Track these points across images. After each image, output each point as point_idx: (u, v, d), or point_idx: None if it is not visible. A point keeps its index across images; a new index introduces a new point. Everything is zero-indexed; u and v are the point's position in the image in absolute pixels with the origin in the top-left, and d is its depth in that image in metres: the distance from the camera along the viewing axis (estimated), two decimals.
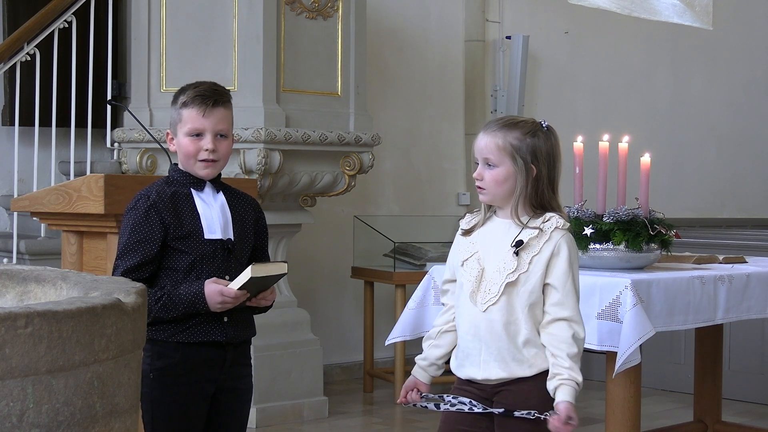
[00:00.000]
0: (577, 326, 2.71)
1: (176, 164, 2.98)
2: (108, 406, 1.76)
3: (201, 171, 2.93)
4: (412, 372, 2.92)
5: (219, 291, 2.82)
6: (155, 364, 2.88)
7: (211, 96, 2.92)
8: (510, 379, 2.72)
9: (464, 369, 2.79)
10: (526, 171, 2.72)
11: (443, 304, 2.94)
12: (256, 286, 2.85)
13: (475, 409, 2.75)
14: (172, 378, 2.88)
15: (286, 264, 2.92)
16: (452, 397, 2.80)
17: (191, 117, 2.91)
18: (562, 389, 2.66)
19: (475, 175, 2.77)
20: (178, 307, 2.83)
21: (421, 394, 2.88)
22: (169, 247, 2.88)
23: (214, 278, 2.85)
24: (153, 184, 2.97)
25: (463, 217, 2.90)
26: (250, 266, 2.80)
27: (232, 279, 2.89)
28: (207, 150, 2.90)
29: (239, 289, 2.82)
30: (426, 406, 2.86)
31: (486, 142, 2.74)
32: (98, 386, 1.73)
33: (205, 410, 2.93)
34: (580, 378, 2.68)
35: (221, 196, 2.98)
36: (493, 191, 2.75)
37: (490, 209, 2.82)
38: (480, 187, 2.76)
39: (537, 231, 2.72)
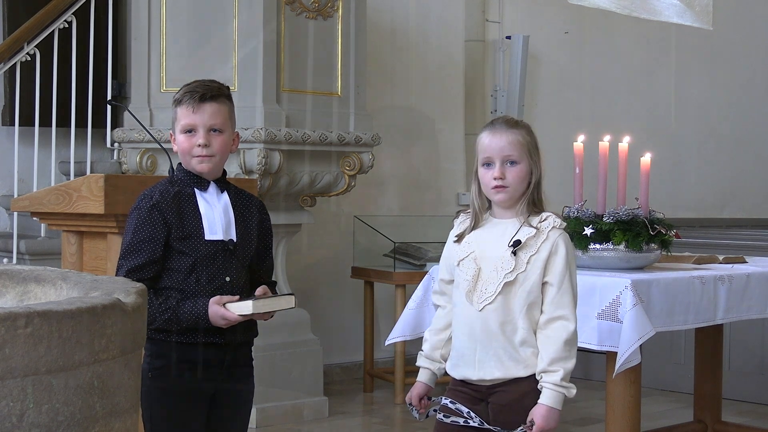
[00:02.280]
0: (570, 324, 2.71)
1: (180, 164, 2.99)
2: (108, 406, 1.76)
3: (197, 167, 2.93)
4: (420, 378, 2.90)
5: (221, 315, 2.83)
6: (154, 363, 2.88)
7: (200, 91, 2.91)
8: (506, 379, 2.72)
9: (459, 369, 2.79)
10: (537, 167, 2.75)
11: (437, 306, 2.93)
12: (261, 310, 2.86)
13: (471, 423, 2.74)
14: (170, 377, 2.88)
15: (293, 297, 2.91)
16: (449, 401, 2.80)
17: (183, 113, 2.92)
18: (543, 391, 2.67)
19: (496, 174, 2.73)
20: (181, 323, 2.85)
21: (430, 399, 2.88)
22: (171, 247, 2.88)
23: (217, 298, 2.84)
24: (157, 184, 2.97)
25: (456, 216, 2.89)
26: (251, 302, 2.81)
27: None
28: (199, 145, 2.90)
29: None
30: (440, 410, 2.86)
31: (508, 140, 2.73)
32: (98, 386, 1.73)
33: (204, 410, 2.93)
34: (557, 379, 2.66)
35: (225, 196, 2.98)
36: (516, 188, 2.74)
37: (488, 210, 2.82)
38: (501, 186, 2.73)
39: (534, 230, 2.72)
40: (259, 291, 2.91)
